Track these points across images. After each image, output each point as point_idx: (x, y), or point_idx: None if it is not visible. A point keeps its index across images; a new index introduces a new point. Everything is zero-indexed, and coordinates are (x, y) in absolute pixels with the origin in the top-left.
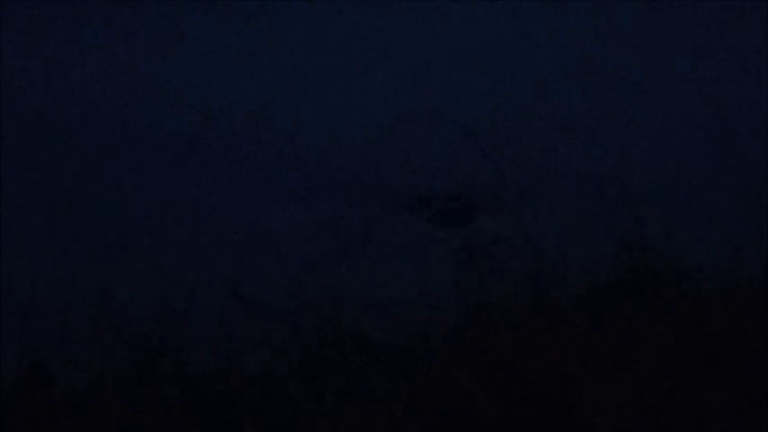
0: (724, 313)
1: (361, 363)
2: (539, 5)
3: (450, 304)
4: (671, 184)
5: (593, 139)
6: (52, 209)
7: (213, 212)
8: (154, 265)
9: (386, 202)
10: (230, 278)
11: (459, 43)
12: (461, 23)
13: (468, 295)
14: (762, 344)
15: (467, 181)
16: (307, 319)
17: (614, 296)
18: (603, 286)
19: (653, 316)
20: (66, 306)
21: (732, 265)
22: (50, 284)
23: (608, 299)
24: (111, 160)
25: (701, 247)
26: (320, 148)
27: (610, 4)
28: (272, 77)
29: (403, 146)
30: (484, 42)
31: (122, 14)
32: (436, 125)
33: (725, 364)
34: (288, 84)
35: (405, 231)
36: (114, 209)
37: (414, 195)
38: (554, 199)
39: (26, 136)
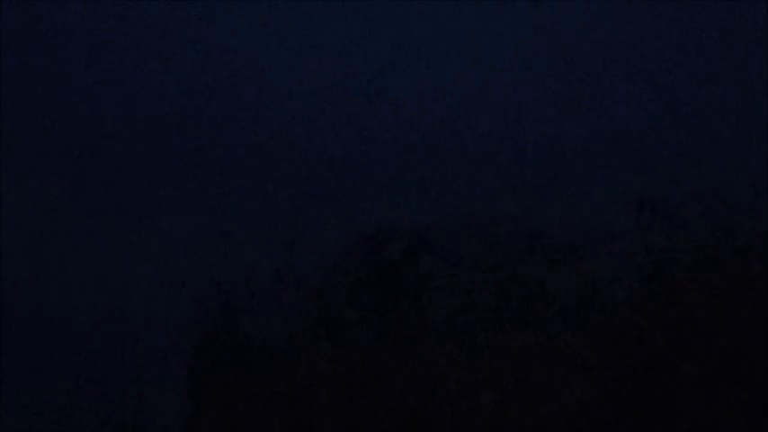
0: None
1: (545, 318)
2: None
3: (635, 257)
4: None
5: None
6: (245, 151)
7: (401, 161)
8: (342, 215)
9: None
10: (416, 229)
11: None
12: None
13: (652, 247)
14: None
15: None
16: (490, 270)
17: None
18: None
19: None
20: (253, 252)
21: None
22: (238, 229)
23: None
24: (302, 104)
25: None
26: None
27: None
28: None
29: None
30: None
31: None
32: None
33: None
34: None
35: (588, 179)
36: (305, 156)
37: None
38: (740, 151)
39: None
